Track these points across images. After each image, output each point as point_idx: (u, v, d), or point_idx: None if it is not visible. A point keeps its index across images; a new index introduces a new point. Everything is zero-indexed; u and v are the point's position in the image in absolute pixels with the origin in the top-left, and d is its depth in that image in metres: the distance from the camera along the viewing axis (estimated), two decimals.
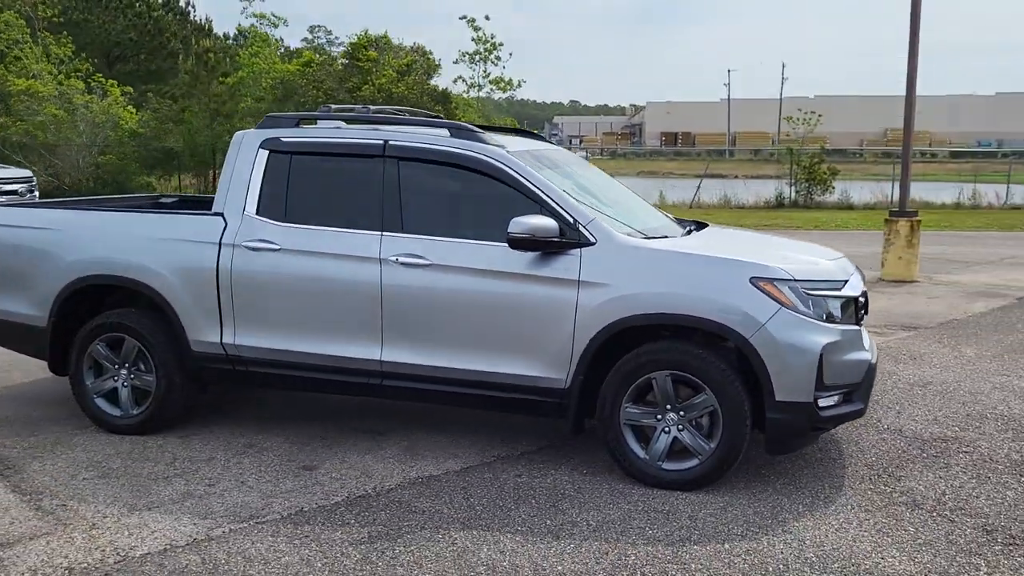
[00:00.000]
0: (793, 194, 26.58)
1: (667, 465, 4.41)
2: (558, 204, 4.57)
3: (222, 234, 5.00)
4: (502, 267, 4.55)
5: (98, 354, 5.24)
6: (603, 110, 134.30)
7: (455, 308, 4.64)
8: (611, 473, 4.57)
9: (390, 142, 4.91)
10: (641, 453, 4.45)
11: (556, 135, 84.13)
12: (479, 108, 29.78)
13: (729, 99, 79.64)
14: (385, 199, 4.83)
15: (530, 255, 4.51)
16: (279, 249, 4.90)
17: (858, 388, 4.49)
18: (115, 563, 3.61)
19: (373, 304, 4.74)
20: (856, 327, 4.55)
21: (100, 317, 5.25)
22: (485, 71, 30.18)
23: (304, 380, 5.01)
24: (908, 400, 5.99)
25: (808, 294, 4.32)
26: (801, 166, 26.57)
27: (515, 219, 4.41)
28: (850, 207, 25.51)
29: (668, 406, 4.40)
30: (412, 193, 4.83)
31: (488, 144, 4.81)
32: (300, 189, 5.01)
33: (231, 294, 4.96)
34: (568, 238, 4.48)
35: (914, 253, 11.60)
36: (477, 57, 30.01)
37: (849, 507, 4.21)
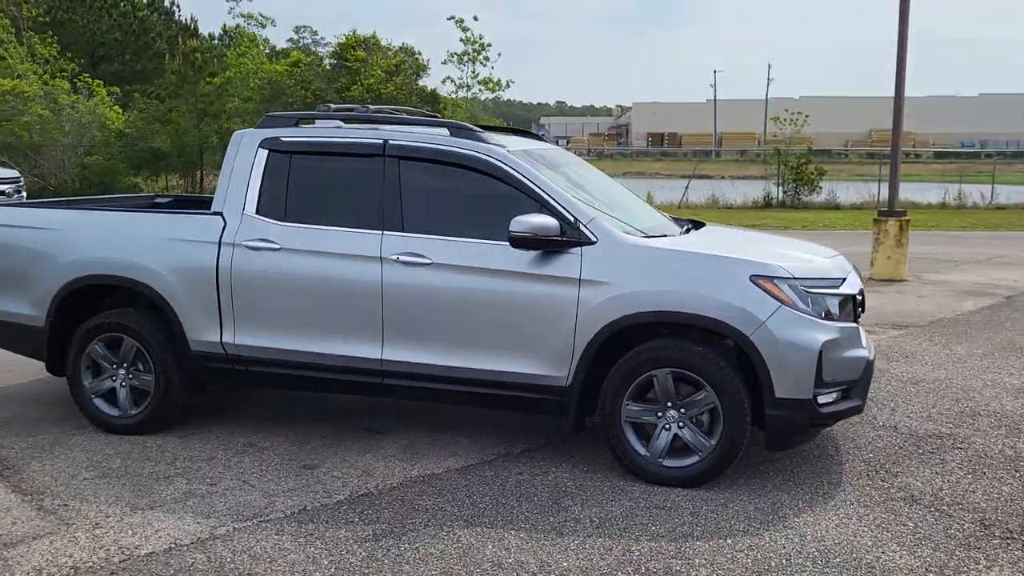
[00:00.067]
0: (781, 194, 26.78)
1: (668, 462, 4.44)
2: (559, 203, 4.59)
3: (222, 233, 5.00)
4: (503, 266, 4.57)
5: (96, 354, 5.22)
6: (590, 111, 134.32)
7: (456, 307, 4.65)
8: (612, 470, 4.60)
9: (390, 141, 4.92)
10: (642, 450, 4.48)
11: (543, 136, 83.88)
12: (467, 108, 29.76)
13: (715, 99, 79.98)
14: (385, 198, 4.84)
15: (531, 254, 4.53)
16: (279, 248, 4.90)
17: (856, 385, 4.54)
18: (120, 562, 3.61)
19: (374, 303, 4.75)
20: (854, 324, 4.60)
21: (98, 317, 5.23)
22: (474, 71, 30.21)
23: (304, 379, 5.01)
24: (902, 397, 6.05)
25: (807, 292, 4.36)
26: (789, 167, 26.76)
27: (516, 218, 4.43)
28: (837, 207, 25.74)
29: (669, 403, 4.43)
30: (412, 192, 4.84)
31: (489, 143, 4.82)
32: (300, 188, 5.01)
33: (231, 294, 4.96)
34: (569, 237, 4.50)
35: (903, 253, 11.71)
36: (466, 58, 30.01)
37: (848, 503, 4.26)
